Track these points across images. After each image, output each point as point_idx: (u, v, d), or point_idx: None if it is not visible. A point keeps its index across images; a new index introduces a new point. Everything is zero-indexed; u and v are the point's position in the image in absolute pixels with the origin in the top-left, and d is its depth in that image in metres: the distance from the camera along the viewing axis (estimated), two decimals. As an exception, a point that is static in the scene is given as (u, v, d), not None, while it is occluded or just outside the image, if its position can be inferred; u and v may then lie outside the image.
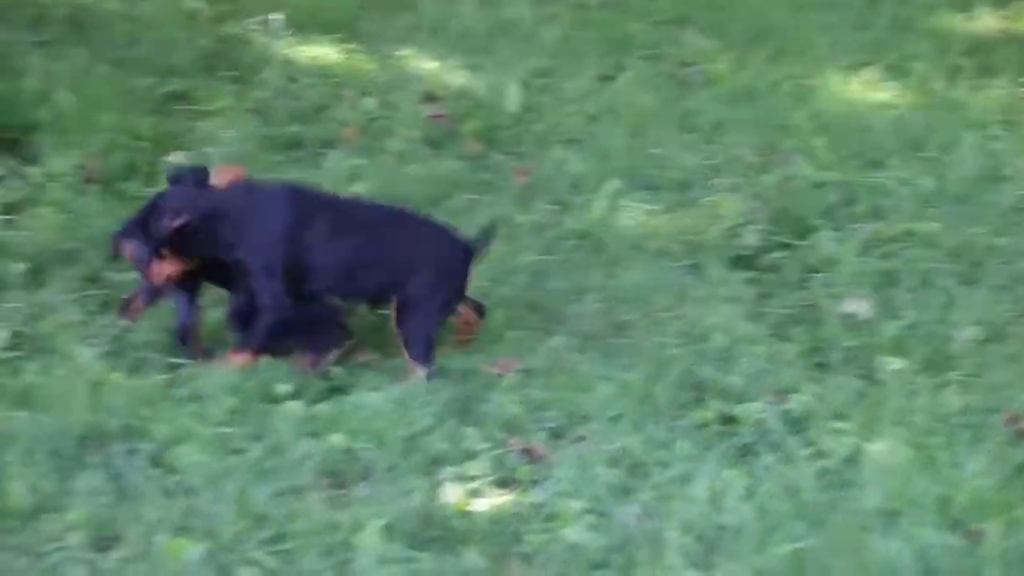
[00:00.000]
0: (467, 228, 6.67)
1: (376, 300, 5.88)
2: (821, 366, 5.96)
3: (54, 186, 6.88)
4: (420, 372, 5.67)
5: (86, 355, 5.61)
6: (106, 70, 8.00)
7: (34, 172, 7.00)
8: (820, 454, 5.25)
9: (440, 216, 6.78)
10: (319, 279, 5.74)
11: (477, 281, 6.26)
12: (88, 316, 5.95)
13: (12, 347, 5.72)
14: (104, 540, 4.69)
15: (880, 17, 9.73)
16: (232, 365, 5.64)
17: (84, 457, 5.06)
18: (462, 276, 5.87)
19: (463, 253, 5.88)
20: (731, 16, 9.72)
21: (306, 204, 5.82)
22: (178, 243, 5.69)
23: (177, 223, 5.63)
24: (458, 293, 5.87)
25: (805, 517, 4.84)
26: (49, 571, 4.56)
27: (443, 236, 5.95)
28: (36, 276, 6.24)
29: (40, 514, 4.78)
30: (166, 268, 5.73)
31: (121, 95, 7.74)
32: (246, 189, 5.96)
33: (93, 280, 6.26)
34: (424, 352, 5.71)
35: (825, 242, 6.81)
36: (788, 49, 9.22)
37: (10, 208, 6.76)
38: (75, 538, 4.65)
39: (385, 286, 5.78)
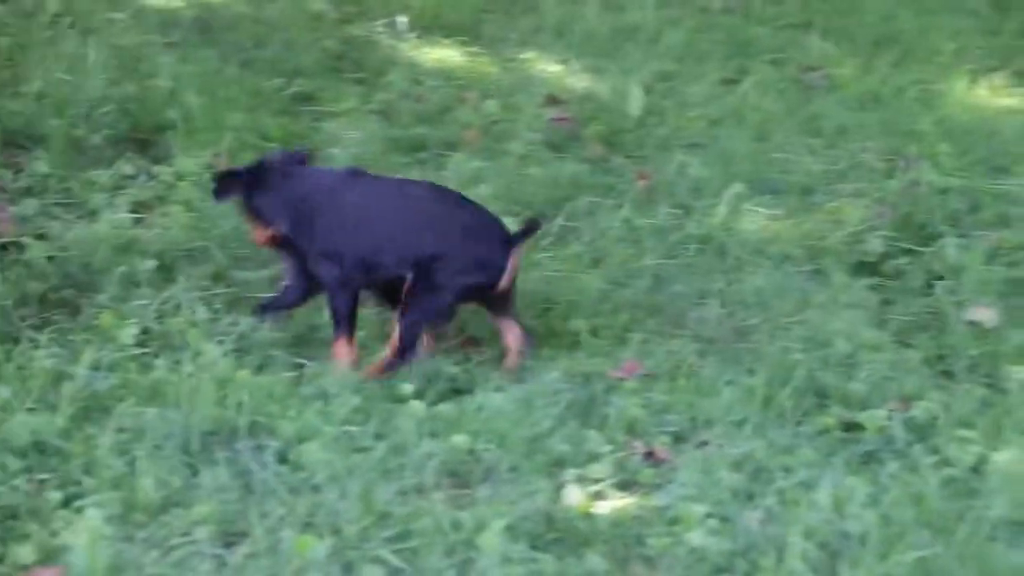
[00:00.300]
0: (589, 231, 6.73)
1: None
2: (946, 374, 5.92)
3: (183, 185, 6.97)
4: (391, 358, 5.69)
5: (214, 352, 5.67)
6: (234, 71, 8.10)
7: (164, 171, 7.09)
8: (945, 462, 5.20)
9: (562, 218, 6.83)
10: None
11: (598, 283, 6.29)
12: (215, 314, 6.01)
13: (141, 344, 5.79)
14: (231, 535, 4.74)
15: (1008, 22, 9.64)
16: (341, 364, 5.73)
17: (211, 453, 5.12)
18: (498, 267, 5.76)
19: (500, 243, 5.77)
20: (856, 20, 9.68)
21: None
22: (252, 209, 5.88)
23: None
24: (489, 282, 5.78)
25: (930, 526, 4.81)
26: (177, 565, 4.60)
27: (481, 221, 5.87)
28: (165, 274, 6.32)
29: (169, 508, 4.83)
30: (258, 234, 5.89)
31: (249, 96, 7.83)
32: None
33: (220, 278, 6.33)
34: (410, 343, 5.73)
35: (950, 249, 6.76)
36: (914, 54, 9.17)
37: (140, 206, 6.86)
38: (202, 532, 4.70)
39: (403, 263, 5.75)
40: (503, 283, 5.73)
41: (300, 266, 5.88)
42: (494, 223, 5.84)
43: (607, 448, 5.27)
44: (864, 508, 4.89)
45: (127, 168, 7.10)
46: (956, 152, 7.73)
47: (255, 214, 5.88)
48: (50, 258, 6.33)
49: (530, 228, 5.84)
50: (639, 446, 5.31)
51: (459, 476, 5.13)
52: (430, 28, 9.25)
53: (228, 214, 6.61)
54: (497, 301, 5.82)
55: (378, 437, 5.27)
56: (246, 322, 5.89)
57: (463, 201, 5.93)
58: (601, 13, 9.65)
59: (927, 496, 4.95)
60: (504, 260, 5.72)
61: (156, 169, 7.14)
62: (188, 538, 4.69)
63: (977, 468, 5.17)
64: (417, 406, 5.44)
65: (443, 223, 5.77)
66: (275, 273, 6.28)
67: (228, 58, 8.32)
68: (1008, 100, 8.54)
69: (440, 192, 5.99)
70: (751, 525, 4.85)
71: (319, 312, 5.97)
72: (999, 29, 9.61)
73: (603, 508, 4.95)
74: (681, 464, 5.20)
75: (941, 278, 6.61)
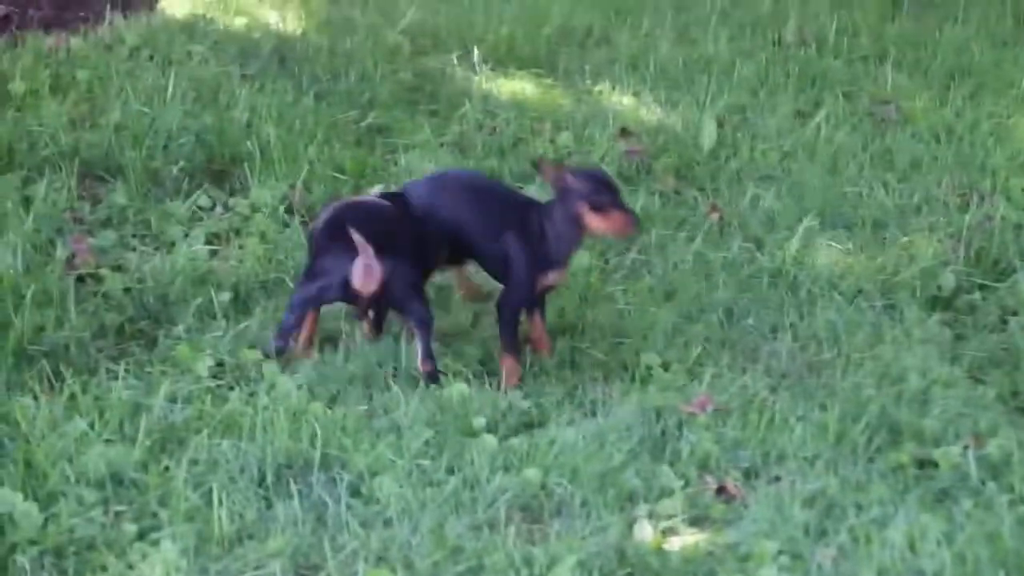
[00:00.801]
0: (660, 265, 6.73)
1: None
2: (1020, 410, 5.89)
3: (258, 217, 7.03)
4: None
5: (287, 384, 5.72)
6: (310, 103, 8.16)
7: (240, 203, 7.16)
8: (1020, 500, 5.16)
9: (634, 251, 6.83)
10: None
11: (670, 317, 6.29)
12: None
13: (216, 375, 5.85)
14: (304, 568, 4.77)
15: (1083, 55, 9.60)
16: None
17: (285, 486, 5.15)
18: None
19: None
20: (930, 53, 9.66)
21: None
22: None
23: None
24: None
25: (1005, 564, 4.78)
26: (251, 597, 4.66)
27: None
28: (240, 306, 6.38)
29: (243, 541, 4.87)
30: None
31: (324, 128, 7.89)
32: None
33: (295, 310, 6.39)
34: None
35: (1024, 284, 6.73)
36: (988, 87, 9.13)
37: (216, 238, 6.93)
38: (276, 565, 4.73)
39: None
40: None
41: None
42: None
43: (679, 483, 5.26)
44: (938, 546, 4.86)
45: (203, 200, 7.17)
46: (1030, 187, 7.71)
47: None
48: (127, 290, 6.41)
49: None
50: (711, 481, 5.31)
51: (531, 511, 5.14)
52: (503, 60, 9.29)
53: (302, 246, 6.67)
54: None
55: (450, 471, 5.29)
56: (320, 355, 5.94)
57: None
58: (674, 46, 9.68)
59: (1002, 535, 4.92)
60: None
61: (232, 201, 7.20)
62: (262, 571, 4.72)
63: (1052, 507, 5.14)
64: (489, 440, 5.45)
65: None
66: (347, 307, 6.33)
67: (304, 90, 8.39)
68: (1083, 134, 8.50)
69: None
70: (824, 563, 4.83)
71: (394, 343, 6.03)
72: (1074, 61, 9.58)
73: (675, 544, 4.95)
74: (753, 500, 5.20)
75: (1015, 313, 6.58)
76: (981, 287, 6.82)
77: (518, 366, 6.01)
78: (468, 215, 6.06)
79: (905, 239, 7.17)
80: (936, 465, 5.40)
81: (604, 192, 5.88)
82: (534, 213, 6.01)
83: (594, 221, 5.89)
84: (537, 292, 6.06)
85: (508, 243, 5.98)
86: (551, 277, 6.04)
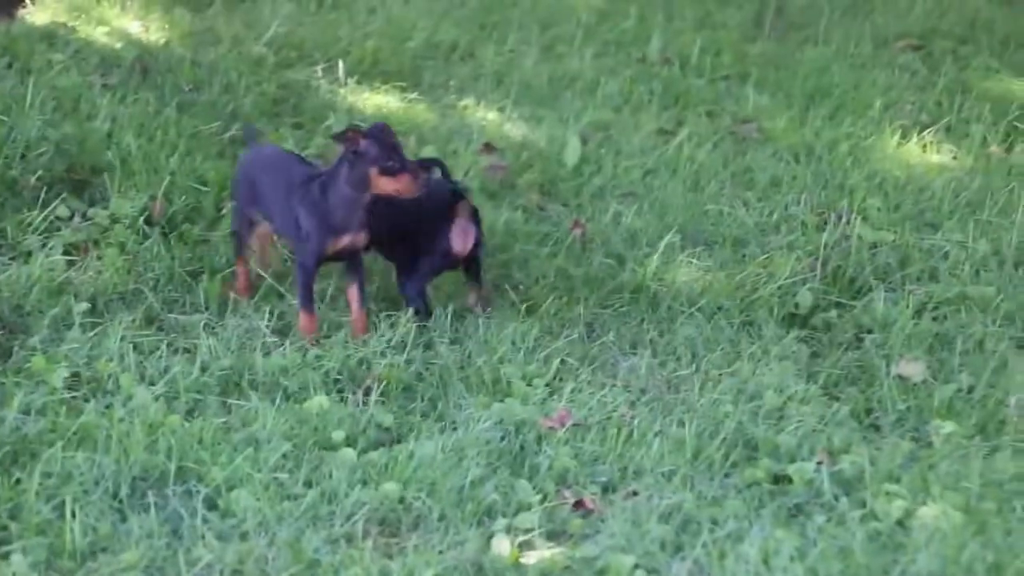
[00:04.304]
0: (523, 280, 6.76)
1: None
2: (874, 427, 5.98)
3: (118, 228, 6.94)
4: None
5: (144, 396, 5.67)
6: (172, 114, 8.08)
7: (99, 214, 7.06)
8: (872, 516, 5.24)
9: (495, 267, 6.85)
10: None
11: (531, 332, 6.32)
12: (146, 358, 6.01)
13: (71, 387, 5.78)
14: (159, 581, 4.75)
15: (939, 79, 9.76)
16: None
17: (141, 499, 5.11)
18: None
19: None
20: (791, 74, 9.78)
21: None
22: None
23: None
24: None
25: (856, 579, 4.86)
26: (104, 611, 4.61)
27: None
28: (97, 316, 6.31)
29: (96, 555, 4.83)
30: None
31: (186, 139, 7.82)
32: None
33: (152, 322, 6.33)
34: None
35: (879, 303, 6.82)
36: (847, 108, 9.26)
37: (74, 249, 6.83)
38: (130, 579, 4.71)
39: None
40: None
41: None
42: None
43: (537, 498, 5.29)
44: (792, 561, 4.93)
45: (62, 210, 7.06)
46: (886, 207, 7.83)
47: None
48: (-19, 299, 6.31)
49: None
50: (569, 496, 5.33)
51: (389, 524, 5.14)
52: (368, 74, 9.27)
53: (162, 257, 6.62)
54: None
55: (308, 484, 5.28)
56: (177, 367, 5.89)
57: None
58: (539, 62, 9.72)
59: (854, 550, 4.99)
60: None
61: (91, 211, 7.10)
62: (115, 584, 4.69)
63: (903, 522, 5.21)
64: (348, 453, 5.45)
65: None
66: (207, 318, 6.29)
67: (167, 101, 8.31)
68: (938, 156, 8.64)
69: None
70: (679, 577, 4.89)
71: (251, 354, 6.00)
72: (929, 85, 9.72)
73: (532, 558, 4.97)
74: (610, 515, 5.23)
75: (870, 332, 6.67)
76: (837, 305, 6.92)
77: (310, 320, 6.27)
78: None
79: (764, 257, 7.24)
80: (791, 481, 5.47)
81: (394, 156, 6.17)
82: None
83: (381, 183, 6.16)
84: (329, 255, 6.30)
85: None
86: (344, 240, 6.25)
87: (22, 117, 7.70)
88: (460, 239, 6.47)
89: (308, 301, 6.27)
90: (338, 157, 6.25)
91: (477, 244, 6.51)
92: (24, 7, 9.73)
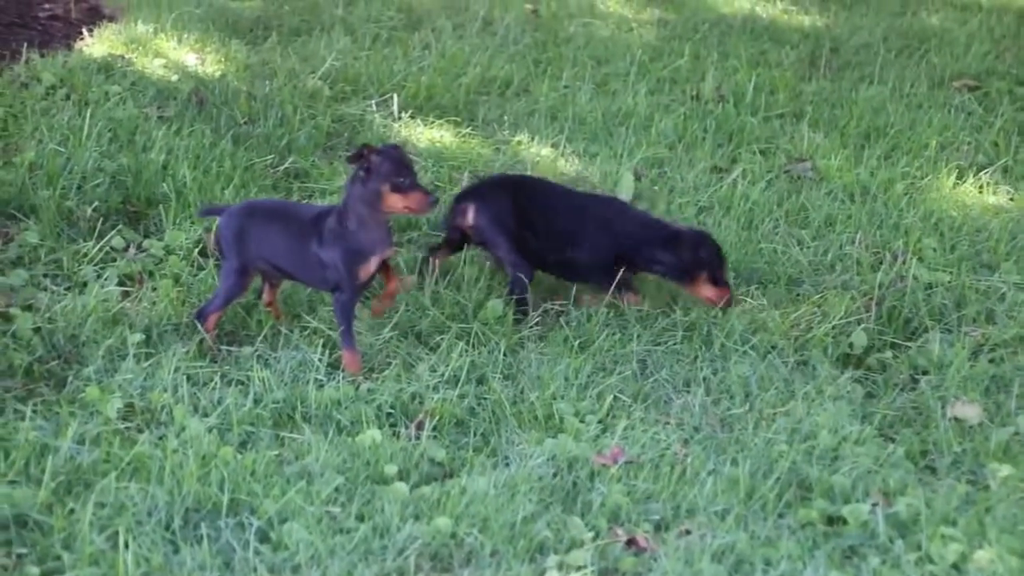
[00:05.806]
0: (575, 315, 6.73)
1: None
2: (929, 469, 5.93)
3: (172, 259, 6.98)
4: None
5: (198, 427, 5.68)
6: (227, 146, 8.12)
7: (154, 245, 7.10)
8: (927, 559, 5.21)
9: (549, 302, 6.83)
10: None
11: (585, 367, 6.30)
12: (200, 389, 6.02)
13: (125, 417, 5.81)
14: (210, 614, 4.75)
15: (995, 119, 9.71)
16: None
17: (193, 530, 5.11)
18: None
19: None
20: (846, 112, 9.74)
21: None
22: None
23: None
24: None
25: (910, 622, 4.82)
26: (155, 642, 4.61)
27: None
28: (151, 347, 6.33)
29: (148, 585, 4.85)
30: None
31: (241, 171, 7.85)
32: None
33: (206, 354, 6.34)
34: None
35: (935, 344, 6.77)
36: (902, 148, 9.22)
37: (129, 279, 6.87)
38: (182, 610, 4.71)
39: None
40: None
41: None
42: None
43: (589, 535, 5.27)
44: (846, 603, 4.90)
45: (117, 241, 7.11)
46: (942, 247, 7.79)
47: None
48: (37, 329, 6.34)
49: None
50: (621, 534, 5.31)
51: (441, 560, 5.13)
52: (423, 108, 9.30)
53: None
54: None
55: (360, 518, 5.28)
56: (230, 398, 5.90)
57: None
58: (593, 98, 9.71)
59: (909, 593, 4.96)
60: None
61: (146, 243, 7.14)
62: (167, 616, 4.69)
63: (958, 566, 5.17)
64: (400, 488, 5.44)
65: None
66: (259, 349, 6.30)
67: (222, 133, 8.35)
68: (994, 197, 8.59)
69: None
70: (732, 617, 4.86)
71: (304, 387, 6.01)
72: (986, 125, 9.67)
73: (584, 596, 4.95)
74: (663, 553, 5.20)
75: (926, 373, 6.63)
76: (892, 346, 6.88)
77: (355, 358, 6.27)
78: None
79: (818, 296, 7.21)
80: (845, 522, 5.43)
81: (405, 174, 6.19)
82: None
83: (392, 200, 6.17)
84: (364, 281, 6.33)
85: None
86: (374, 264, 6.27)
87: (79, 148, 7.76)
88: None
89: (351, 339, 6.26)
90: (348, 178, 6.24)
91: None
92: (82, 39, 9.81)
